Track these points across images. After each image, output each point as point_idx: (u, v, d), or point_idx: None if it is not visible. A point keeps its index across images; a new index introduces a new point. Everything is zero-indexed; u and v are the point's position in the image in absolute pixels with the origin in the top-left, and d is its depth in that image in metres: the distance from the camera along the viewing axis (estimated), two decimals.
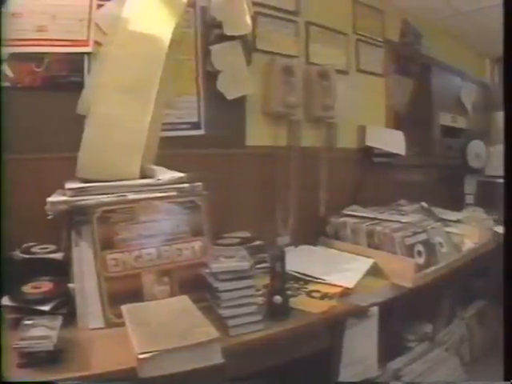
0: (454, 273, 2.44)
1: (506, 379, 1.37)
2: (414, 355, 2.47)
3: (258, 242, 1.98)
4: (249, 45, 2.20)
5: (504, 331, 1.43)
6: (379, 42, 3.02)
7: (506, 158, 1.52)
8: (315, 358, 1.72)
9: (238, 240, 1.99)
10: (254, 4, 2.19)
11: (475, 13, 3.27)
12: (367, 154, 2.78)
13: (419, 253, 2.17)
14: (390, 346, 2.36)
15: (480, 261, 2.79)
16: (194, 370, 1.13)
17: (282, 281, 1.56)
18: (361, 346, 1.88)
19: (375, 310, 1.91)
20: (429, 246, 2.25)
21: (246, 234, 2.06)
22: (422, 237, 2.24)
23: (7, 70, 1.66)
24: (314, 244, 2.39)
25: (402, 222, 2.30)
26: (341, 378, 1.78)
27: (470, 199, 3.68)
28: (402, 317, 2.59)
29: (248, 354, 1.37)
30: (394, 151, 2.80)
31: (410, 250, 2.13)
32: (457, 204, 3.39)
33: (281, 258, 1.57)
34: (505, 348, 1.41)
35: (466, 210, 3.31)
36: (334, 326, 1.72)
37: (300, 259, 2.12)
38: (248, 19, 2.04)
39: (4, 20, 1.59)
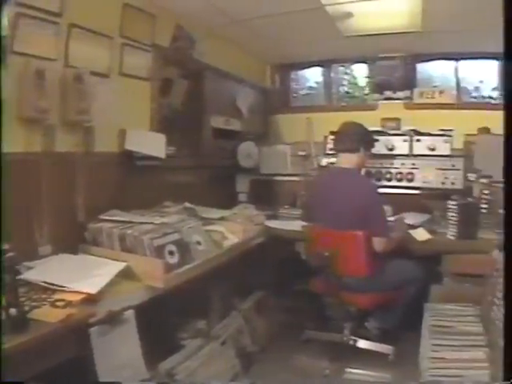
0: (220, 268, 2.60)
1: (506, 379, 1.41)
2: (188, 352, 2.55)
3: (10, 254, 1.86)
4: (4, 47, 2.06)
5: (504, 331, 1.49)
6: (147, 46, 3.04)
7: (506, 159, 1.55)
8: (70, 366, 1.70)
9: None
10: (17, 4, 2.09)
11: (252, 21, 3.47)
12: (129, 157, 2.79)
13: (171, 253, 2.27)
14: (161, 346, 2.42)
15: (252, 254, 3.02)
16: None
17: (14, 293, 1.55)
18: (122, 350, 1.90)
19: (131, 313, 1.95)
20: (182, 245, 2.36)
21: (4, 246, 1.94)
22: (174, 237, 2.34)
23: None
24: (75, 251, 2.34)
25: (155, 224, 2.37)
26: None
27: (243, 197, 3.95)
28: (172, 316, 2.67)
29: None
30: (153, 154, 2.85)
31: (159, 251, 2.21)
32: (229, 202, 3.61)
33: (9, 270, 1.55)
34: (505, 348, 1.45)
35: (236, 207, 3.53)
36: (79, 334, 1.72)
37: (55, 268, 2.08)
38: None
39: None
